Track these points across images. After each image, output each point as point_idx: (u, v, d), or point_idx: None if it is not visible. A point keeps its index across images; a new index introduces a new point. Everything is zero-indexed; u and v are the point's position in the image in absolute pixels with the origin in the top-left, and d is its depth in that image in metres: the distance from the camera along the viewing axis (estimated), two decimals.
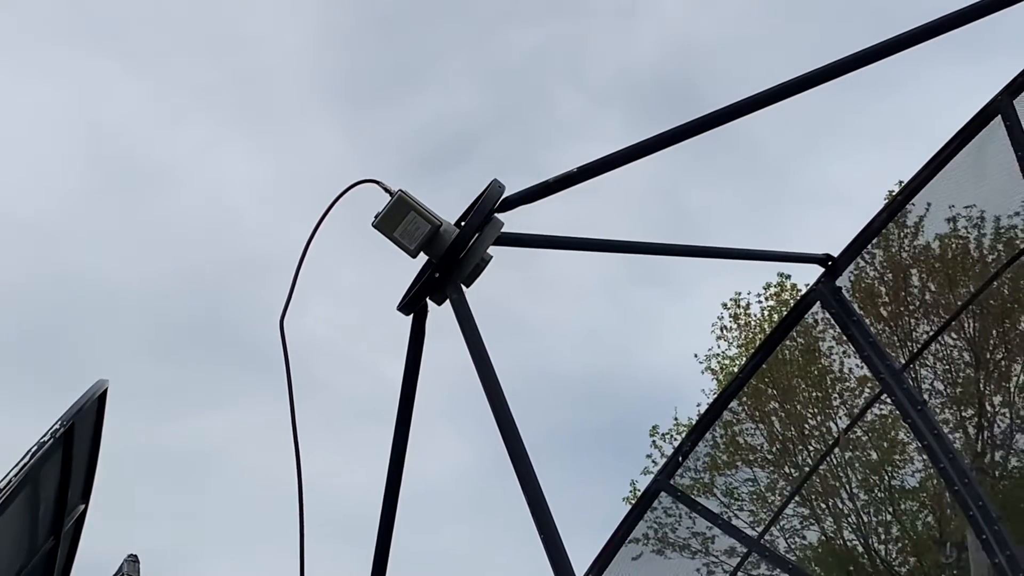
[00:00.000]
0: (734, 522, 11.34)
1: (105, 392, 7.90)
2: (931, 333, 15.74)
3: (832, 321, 8.07)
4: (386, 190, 4.74)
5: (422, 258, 4.78)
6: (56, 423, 7.20)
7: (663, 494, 7.10)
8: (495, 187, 4.75)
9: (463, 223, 4.76)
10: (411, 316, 4.87)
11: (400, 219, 4.69)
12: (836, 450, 16.68)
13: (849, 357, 15.00)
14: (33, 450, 6.97)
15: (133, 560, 7.36)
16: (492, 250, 4.82)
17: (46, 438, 7.10)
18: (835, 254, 6.70)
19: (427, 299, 4.82)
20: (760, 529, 9.06)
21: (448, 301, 4.68)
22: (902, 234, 11.76)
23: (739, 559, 8.21)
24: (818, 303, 6.64)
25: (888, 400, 12.15)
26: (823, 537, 19.24)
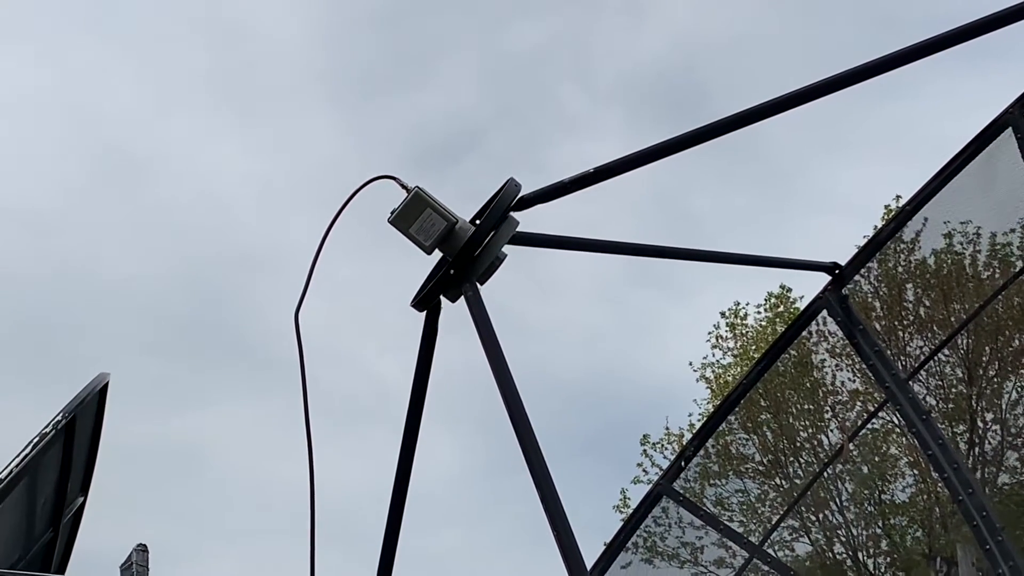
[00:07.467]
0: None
1: (106, 386, 7.90)
2: (926, 348, 15.77)
3: (827, 333, 8.10)
4: (403, 186, 4.75)
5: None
6: (58, 415, 7.19)
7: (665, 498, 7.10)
8: (511, 186, 4.76)
9: (479, 221, 4.76)
10: (423, 313, 4.88)
11: (416, 216, 4.70)
12: (834, 461, 16.69)
13: (842, 370, 15.01)
14: (35, 441, 6.96)
15: (142, 550, 7.37)
16: (506, 249, 4.83)
17: (47, 429, 7.08)
18: (838, 261, 6.70)
19: (441, 296, 4.82)
20: (757, 538, 9.08)
21: (463, 298, 4.69)
22: (898, 248, 11.78)
23: (729, 569, 8.20)
24: (824, 311, 6.64)
25: (882, 413, 12.18)
26: (812, 550, 19.21)
